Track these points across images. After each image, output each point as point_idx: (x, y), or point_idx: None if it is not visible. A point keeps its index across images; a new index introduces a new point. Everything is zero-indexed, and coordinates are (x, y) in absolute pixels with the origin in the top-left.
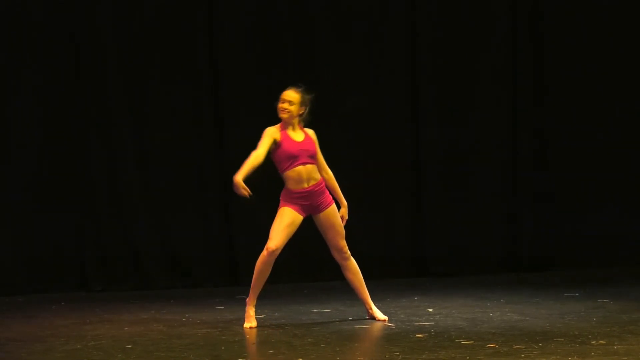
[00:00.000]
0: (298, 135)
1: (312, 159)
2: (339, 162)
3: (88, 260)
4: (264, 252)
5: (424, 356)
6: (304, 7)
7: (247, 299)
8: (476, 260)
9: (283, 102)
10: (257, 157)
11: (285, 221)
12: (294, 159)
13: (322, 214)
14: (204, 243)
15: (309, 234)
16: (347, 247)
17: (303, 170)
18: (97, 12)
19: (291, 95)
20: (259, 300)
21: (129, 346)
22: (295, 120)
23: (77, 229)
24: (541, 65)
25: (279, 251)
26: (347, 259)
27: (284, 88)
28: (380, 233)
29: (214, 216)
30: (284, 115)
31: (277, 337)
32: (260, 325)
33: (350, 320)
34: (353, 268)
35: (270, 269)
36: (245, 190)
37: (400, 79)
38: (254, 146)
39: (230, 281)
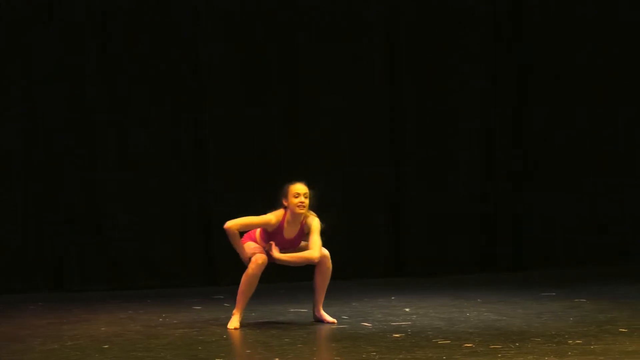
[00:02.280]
0: (293, 229)
1: (292, 249)
2: (318, 161)
3: (65, 260)
4: (251, 265)
5: (400, 356)
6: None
7: (234, 310)
8: (453, 260)
9: (299, 197)
10: (235, 234)
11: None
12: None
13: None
14: (181, 243)
15: None
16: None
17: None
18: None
19: (306, 189)
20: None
21: (106, 346)
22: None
23: (54, 229)
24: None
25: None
26: (326, 256)
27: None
28: (357, 233)
29: (191, 216)
30: (301, 211)
31: (255, 337)
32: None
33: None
34: (326, 270)
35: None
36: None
37: (379, 82)
38: (233, 146)
39: (208, 281)
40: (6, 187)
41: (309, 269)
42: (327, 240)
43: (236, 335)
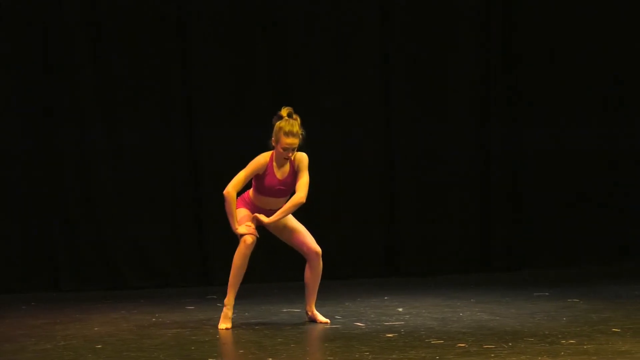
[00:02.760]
0: (284, 168)
1: (287, 194)
2: (312, 160)
3: (59, 260)
4: (241, 245)
5: (393, 356)
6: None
7: (225, 299)
8: (446, 260)
9: (287, 150)
10: (232, 200)
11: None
12: (268, 191)
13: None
14: (174, 243)
15: None
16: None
17: (272, 201)
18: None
19: (295, 143)
20: None
21: (99, 346)
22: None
23: (48, 228)
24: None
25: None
26: (317, 253)
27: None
28: (351, 232)
29: (184, 216)
30: (289, 155)
31: (247, 336)
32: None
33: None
34: (317, 267)
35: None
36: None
37: (372, 80)
38: (224, 144)
39: (201, 281)
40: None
41: (300, 268)
42: (319, 239)
43: (229, 335)
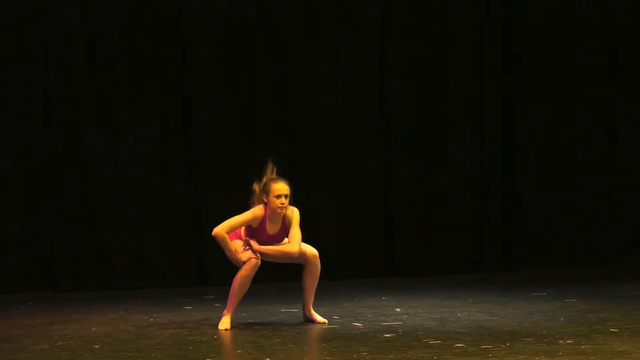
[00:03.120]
0: (275, 225)
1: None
2: (312, 160)
3: (57, 260)
4: (246, 266)
5: (391, 356)
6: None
7: (225, 311)
8: (444, 260)
9: (280, 197)
10: (224, 237)
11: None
12: (256, 239)
13: None
14: (173, 243)
15: None
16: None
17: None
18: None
19: (287, 189)
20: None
21: (97, 346)
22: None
23: (47, 229)
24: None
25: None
26: (315, 256)
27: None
28: (349, 233)
29: (183, 216)
30: (282, 211)
31: (245, 337)
32: None
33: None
34: (315, 269)
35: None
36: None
37: (372, 81)
38: (221, 145)
39: (199, 281)
40: None
41: (298, 268)
42: (318, 240)
43: (227, 335)
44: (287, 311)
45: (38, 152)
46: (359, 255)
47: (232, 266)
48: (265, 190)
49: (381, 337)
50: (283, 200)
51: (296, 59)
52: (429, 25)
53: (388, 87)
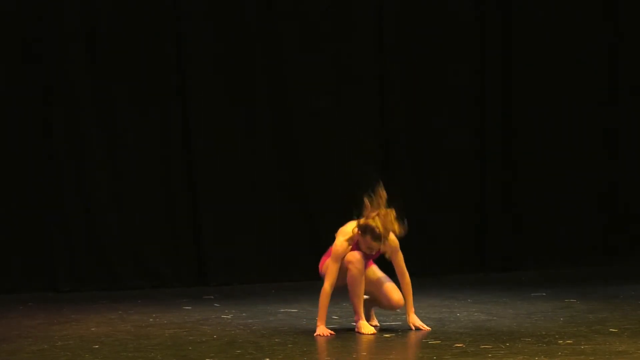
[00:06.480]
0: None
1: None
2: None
3: (56, 260)
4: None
5: (391, 356)
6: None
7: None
8: (444, 260)
9: (376, 240)
10: (327, 295)
11: None
12: None
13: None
14: (171, 243)
15: (278, 234)
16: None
17: None
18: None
19: (380, 246)
20: (228, 300)
21: (96, 346)
22: None
23: (45, 229)
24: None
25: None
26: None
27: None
28: None
29: (181, 216)
30: (371, 253)
31: (245, 337)
32: (227, 325)
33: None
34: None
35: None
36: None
37: (371, 81)
38: (220, 147)
39: (198, 281)
40: None
41: (299, 266)
42: (319, 240)
43: (226, 335)
44: (287, 311)
45: (37, 153)
46: None
47: (232, 266)
48: (362, 229)
49: (380, 337)
50: (374, 249)
51: (294, 58)
52: (429, 25)
53: (386, 86)
